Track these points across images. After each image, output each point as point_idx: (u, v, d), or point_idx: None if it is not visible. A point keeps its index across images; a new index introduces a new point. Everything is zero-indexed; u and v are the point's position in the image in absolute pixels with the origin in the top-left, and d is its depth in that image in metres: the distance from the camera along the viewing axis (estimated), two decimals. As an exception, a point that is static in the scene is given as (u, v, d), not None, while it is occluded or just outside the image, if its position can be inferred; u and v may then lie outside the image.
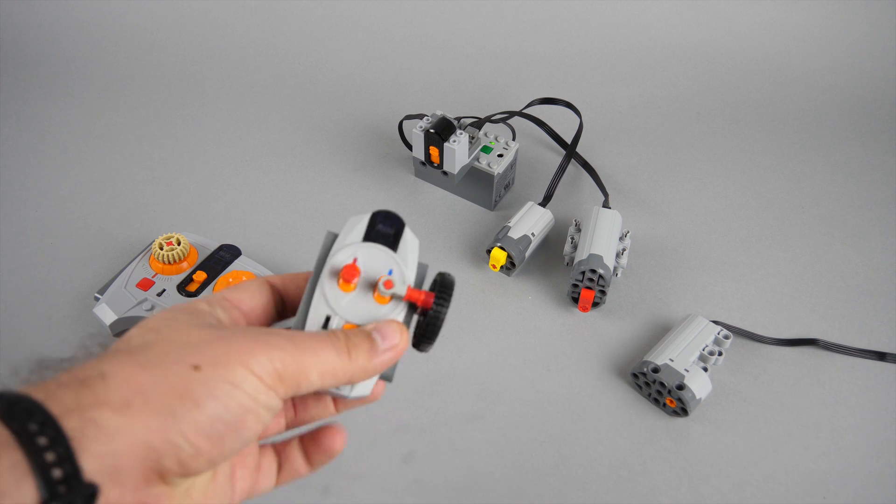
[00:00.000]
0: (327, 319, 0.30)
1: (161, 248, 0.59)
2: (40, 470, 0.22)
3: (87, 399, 0.24)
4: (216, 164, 0.77)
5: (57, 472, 0.22)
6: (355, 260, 0.31)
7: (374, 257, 0.31)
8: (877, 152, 0.81)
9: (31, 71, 0.88)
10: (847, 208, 0.74)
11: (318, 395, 0.33)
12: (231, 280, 0.59)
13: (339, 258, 0.31)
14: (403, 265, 0.32)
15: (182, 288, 0.59)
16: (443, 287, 0.31)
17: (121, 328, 0.58)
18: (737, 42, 0.95)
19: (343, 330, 0.30)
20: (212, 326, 0.28)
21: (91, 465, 0.23)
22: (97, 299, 0.58)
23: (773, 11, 0.97)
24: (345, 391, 0.30)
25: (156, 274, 0.60)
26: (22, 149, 0.78)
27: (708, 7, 0.97)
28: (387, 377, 0.31)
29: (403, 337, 0.30)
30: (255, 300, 0.32)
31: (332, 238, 0.32)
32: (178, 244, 0.60)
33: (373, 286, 0.31)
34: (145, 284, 0.59)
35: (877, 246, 0.70)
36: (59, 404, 0.23)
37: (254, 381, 0.26)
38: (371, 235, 0.32)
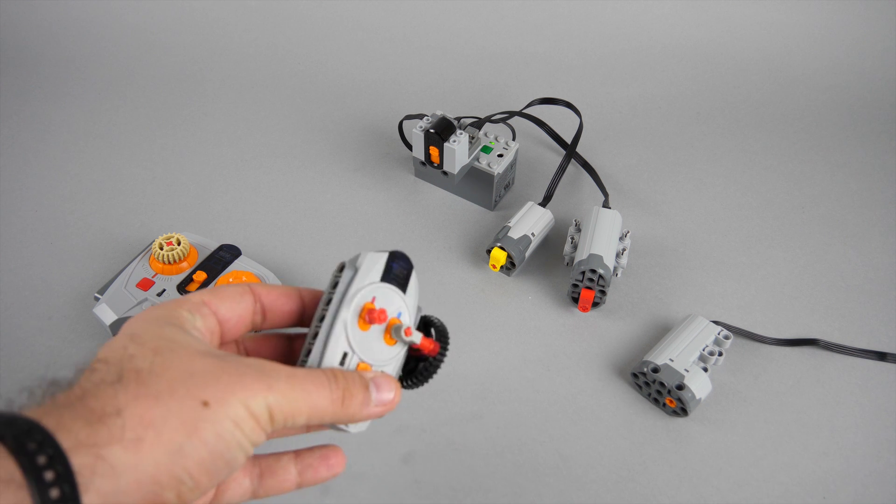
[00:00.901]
0: (344, 356, 0.31)
1: (161, 248, 0.59)
2: None
3: (102, 436, 0.24)
4: (216, 164, 0.77)
5: None
6: (382, 307, 0.32)
7: (387, 298, 0.32)
8: (877, 152, 0.81)
9: (31, 71, 0.88)
10: (847, 208, 0.74)
11: (285, 465, 0.34)
12: (231, 280, 0.59)
13: (361, 297, 0.31)
14: (409, 309, 0.33)
15: (182, 288, 0.59)
16: (445, 338, 0.34)
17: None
18: (737, 42, 0.95)
19: (343, 373, 0.30)
20: (213, 354, 0.29)
21: (92, 501, 0.23)
22: (97, 299, 0.58)
23: (773, 11, 0.97)
24: (350, 429, 0.31)
25: (156, 274, 0.60)
26: (22, 149, 0.78)
27: (708, 7, 0.97)
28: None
29: (397, 395, 0.31)
30: (233, 311, 0.32)
31: (352, 272, 0.32)
32: (178, 244, 0.60)
33: (385, 328, 0.32)
34: (145, 284, 0.59)
35: (877, 246, 0.70)
36: (70, 437, 0.23)
37: (249, 421, 0.27)
38: (388, 276, 0.33)
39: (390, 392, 0.31)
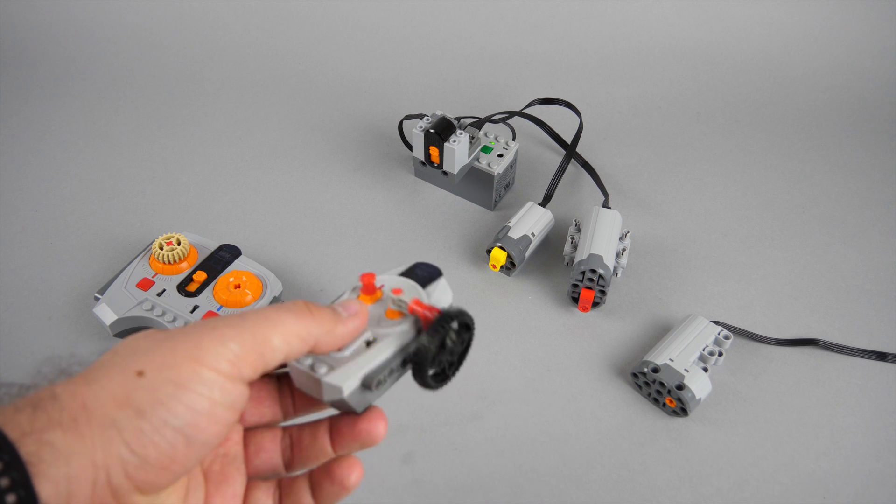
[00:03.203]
0: None
1: (161, 248, 0.59)
2: None
3: (41, 421, 0.23)
4: (216, 164, 0.77)
5: (11, 498, 0.21)
6: (374, 275, 0.32)
7: (398, 285, 0.33)
8: (877, 152, 0.81)
9: (31, 71, 0.88)
10: (847, 208, 0.74)
11: (313, 431, 0.32)
12: (231, 280, 0.59)
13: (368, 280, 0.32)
14: (425, 296, 0.32)
15: (182, 288, 0.59)
16: (451, 311, 0.30)
17: (121, 328, 0.58)
18: (737, 42, 0.95)
19: (302, 300, 0.29)
20: (166, 331, 0.27)
21: (47, 490, 0.22)
22: (97, 299, 0.58)
23: (773, 11, 0.97)
24: (320, 372, 0.29)
25: (156, 274, 0.60)
26: (22, 149, 0.78)
27: (708, 7, 0.97)
28: (367, 383, 0.30)
29: (363, 309, 0.30)
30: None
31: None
32: (178, 244, 0.60)
33: (386, 305, 0.32)
34: (145, 284, 0.59)
35: (877, 246, 0.70)
36: (15, 428, 0.23)
37: (208, 375, 0.25)
38: (407, 274, 0.34)
39: (355, 305, 0.30)
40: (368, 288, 0.32)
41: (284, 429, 0.33)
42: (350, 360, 0.30)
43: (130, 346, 0.26)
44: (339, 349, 0.30)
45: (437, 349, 0.30)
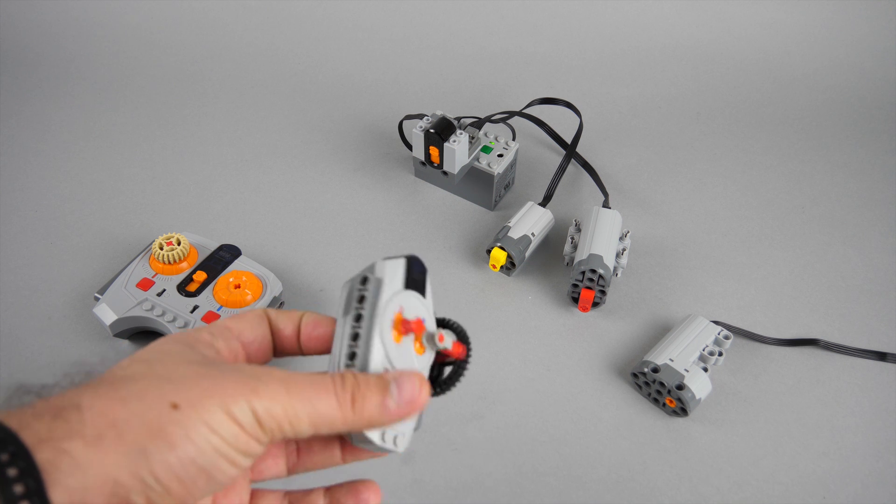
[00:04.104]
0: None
1: (161, 248, 0.59)
2: (7, 502, 0.21)
3: (61, 430, 0.23)
4: (216, 164, 0.77)
5: None
6: (416, 316, 0.31)
7: (412, 306, 0.31)
8: (877, 152, 0.81)
9: (31, 71, 0.88)
10: (847, 208, 0.74)
11: (325, 441, 0.32)
12: (231, 280, 0.59)
13: (391, 309, 0.30)
14: (430, 312, 0.32)
15: (182, 288, 0.59)
16: (467, 339, 0.32)
17: (121, 328, 0.58)
18: (737, 42, 0.95)
19: (354, 375, 0.28)
20: (203, 362, 0.27)
21: (60, 499, 0.22)
22: (97, 299, 0.58)
23: (773, 11, 0.97)
24: (388, 444, 0.29)
25: (156, 274, 0.60)
26: (22, 149, 0.78)
27: (708, 7, 0.97)
28: (419, 426, 0.31)
29: (424, 392, 0.29)
30: (255, 332, 0.31)
31: (376, 284, 0.31)
32: (178, 244, 0.60)
33: (413, 336, 0.31)
34: (145, 284, 0.59)
35: (877, 246, 0.70)
36: (32, 434, 0.23)
37: (231, 426, 0.25)
38: (410, 283, 0.32)
39: (414, 389, 0.28)
40: (413, 330, 0.31)
41: (284, 494, 0.33)
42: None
43: (166, 370, 0.26)
44: None
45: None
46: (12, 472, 0.21)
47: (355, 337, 0.29)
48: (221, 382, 0.26)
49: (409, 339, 0.31)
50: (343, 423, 0.27)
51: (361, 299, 0.30)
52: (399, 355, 0.30)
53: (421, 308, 0.32)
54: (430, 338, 0.31)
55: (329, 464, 0.33)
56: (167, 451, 0.24)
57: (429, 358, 0.32)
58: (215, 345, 0.29)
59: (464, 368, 0.32)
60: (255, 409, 0.26)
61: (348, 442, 0.32)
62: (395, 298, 0.30)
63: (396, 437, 0.30)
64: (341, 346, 0.30)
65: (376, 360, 0.29)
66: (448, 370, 0.32)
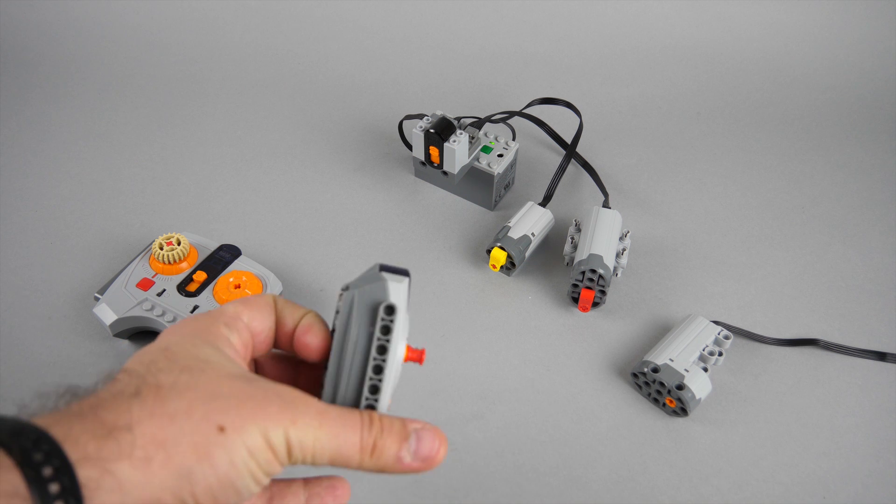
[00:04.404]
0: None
1: (161, 248, 0.59)
2: None
3: (110, 451, 0.23)
4: (216, 164, 0.77)
5: None
6: (424, 350, 0.32)
7: (406, 328, 0.31)
8: (877, 152, 0.81)
9: (31, 71, 0.88)
10: (847, 208, 0.74)
11: (294, 491, 0.33)
12: (231, 280, 0.59)
13: (403, 336, 0.30)
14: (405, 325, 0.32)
15: (182, 288, 0.59)
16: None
17: (121, 328, 0.58)
18: (737, 42, 0.95)
19: (381, 419, 0.29)
20: (244, 377, 0.28)
21: None
22: (97, 299, 0.58)
23: (773, 11, 0.97)
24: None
25: (156, 274, 0.60)
26: (22, 149, 0.78)
27: (708, 7, 0.97)
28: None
29: (441, 451, 0.30)
30: (263, 323, 0.31)
31: (391, 314, 0.30)
32: (178, 244, 0.60)
33: None
34: (145, 284, 0.59)
35: (877, 246, 0.70)
36: (79, 449, 0.23)
37: (266, 452, 0.26)
38: (408, 302, 0.32)
39: (433, 446, 0.30)
40: (418, 361, 0.31)
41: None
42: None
43: (211, 386, 0.26)
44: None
45: None
46: (54, 488, 0.22)
47: (378, 370, 0.29)
48: (265, 407, 0.26)
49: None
50: (358, 466, 0.28)
51: (386, 330, 0.29)
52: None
53: (407, 324, 0.32)
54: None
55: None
56: (210, 472, 0.25)
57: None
58: (231, 340, 0.30)
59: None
60: (290, 437, 0.27)
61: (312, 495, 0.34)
62: (405, 330, 0.31)
63: None
64: (359, 372, 0.30)
65: (389, 392, 0.30)
66: None
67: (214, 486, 0.25)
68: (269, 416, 0.26)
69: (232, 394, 0.26)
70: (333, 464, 0.28)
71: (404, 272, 0.31)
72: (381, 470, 0.29)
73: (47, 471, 0.22)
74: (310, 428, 0.27)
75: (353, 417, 0.28)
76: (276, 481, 0.33)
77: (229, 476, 0.25)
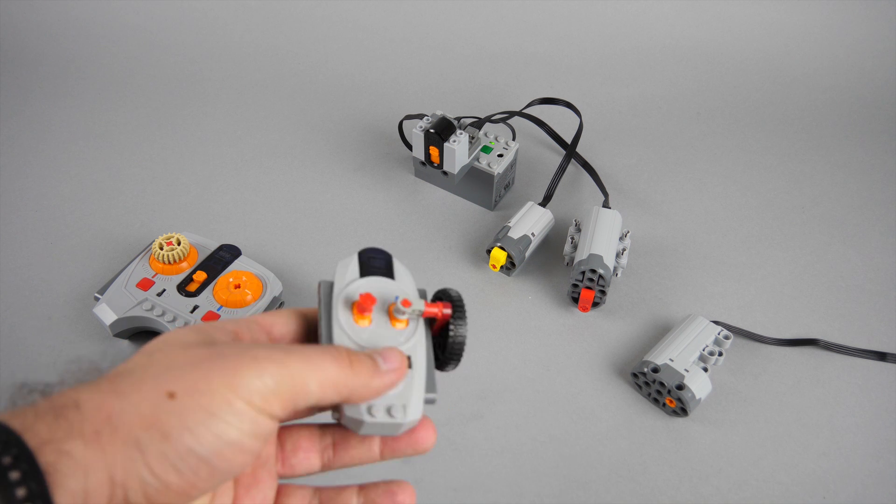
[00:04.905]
0: None
1: (161, 248, 0.59)
2: None
3: (62, 430, 0.23)
4: (216, 164, 0.77)
5: None
6: (368, 294, 0.31)
7: (378, 287, 0.32)
8: (877, 152, 0.81)
9: (31, 71, 0.88)
10: (847, 208, 0.74)
11: (362, 437, 0.31)
12: (231, 280, 0.59)
13: (347, 297, 0.31)
14: (406, 289, 0.32)
15: (182, 288, 0.59)
16: (457, 302, 0.31)
17: (121, 328, 0.58)
18: (737, 42, 0.95)
19: (346, 347, 0.29)
20: (205, 344, 0.26)
21: (64, 501, 0.22)
22: (97, 299, 0.58)
23: (773, 11, 0.97)
24: (398, 416, 0.29)
25: (156, 274, 0.60)
26: (22, 149, 0.78)
27: (708, 7, 0.97)
28: (431, 399, 0.30)
29: (403, 362, 0.29)
30: (286, 327, 0.31)
31: (329, 285, 0.32)
32: (178, 244, 0.60)
33: (387, 314, 0.31)
34: (145, 284, 0.59)
35: (877, 246, 0.70)
36: (35, 436, 0.22)
37: (239, 405, 0.24)
38: (366, 271, 0.32)
39: (396, 359, 0.29)
40: (367, 306, 0.31)
41: (324, 427, 0.32)
42: (409, 390, 0.30)
43: (166, 359, 0.25)
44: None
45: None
46: (14, 475, 0.21)
47: (329, 338, 0.30)
48: (221, 363, 0.25)
49: (382, 319, 0.31)
50: (345, 386, 0.27)
51: (319, 303, 0.31)
52: (371, 337, 0.30)
53: (391, 287, 0.32)
54: (398, 307, 0.31)
55: (367, 459, 0.32)
56: (162, 442, 0.23)
57: (414, 327, 0.31)
58: (237, 331, 0.29)
59: (458, 329, 0.31)
60: (264, 379, 0.25)
61: (391, 439, 0.31)
62: (352, 286, 0.31)
63: (391, 407, 0.29)
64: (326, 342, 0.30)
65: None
66: (449, 335, 0.32)
67: (172, 457, 0.23)
68: (229, 368, 0.24)
69: (186, 362, 0.25)
70: (323, 391, 0.26)
71: (360, 250, 0.33)
72: (363, 386, 0.27)
73: (6, 459, 0.21)
74: (281, 364, 0.25)
75: (318, 347, 0.28)
76: (325, 489, 0.32)
77: (186, 444, 0.23)
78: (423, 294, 0.33)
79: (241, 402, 0.24)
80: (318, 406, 0.28)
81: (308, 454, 0.31)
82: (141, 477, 0.23)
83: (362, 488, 0.32)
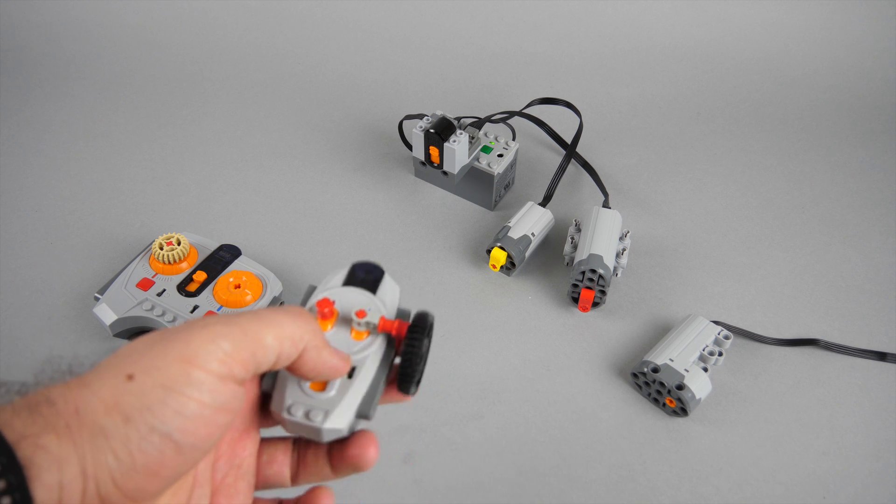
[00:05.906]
0: None
1: (161, 248, 0.59)
2: None
3: (37, 425, 0.23)
4: (216, 164, 0.77)
5: (6, 501, 0.21)
6: (326, 299, 0.31)
7: (352, 299, 0.32)
8: (877, 152, 0.81)
9: (31, 71, 0.88)
10: (847, 208, 0.74)
11: (316, 451, 0.32)
12: (231, 280, 0.59)
13: (315, 299, 0.32)
14: (381, 305, 0.32)
15: (182, 288, 0.59)
16: (417, 320, 0.31)
17: (121, 328, 0.58)
18: (737, 42, 0.95)
19: (300, 307, 0.30)
20: (167, 329, 0.27)
21: (42, 496, 0.22)
22: (97, 299, 0.58)
23: (773, 11, 0.97)
24: (316, 420, 0.29)
25: (156, 274, 0.60)
26: (22, 149, 0.78)
27: (708, 7, 0.97)
28: (363, 413, 0.30)
29: (345, 362, 0.29)
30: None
31: (312, 289, 0.33)
32: (178, 244, 0.60)
33: (349, 324, 0.32)
34: (145, 284, 0.59)
35: (877, 246, 0.70)
36: (12, 431, 0.22)
37: (198, 375, 0.24)
38: (349, 281, 0.33)
39: (340, 355, 0.29)
40: (327, 314, 0.31)
41: (297, 441, 0.33)
42: (339, 398, 0.30)
43: (128, 349, 0.26)
44: (324, 388, 0.30)
45: (423, 359, 0.31)
46: None
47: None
48: (175, 338, 0.25)
49: (344, 327, 0.31)
50: (301, 336, 0.27)
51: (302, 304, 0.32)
52: (330, 341, 0.30)
53: (363, 299, 0.32)
54: (355, 319, 0.31)
55: (323, 473, 0.32)
56: (123, 425, 0.23)
57: (371, 340, 0.31)
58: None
59: (407, 346, 0.30)
60: (220, 343, 0.25)
61: (335, 455, 0.32)
62: (327, 293, 0.32)
63: (311, 410, 0.29)
64: None
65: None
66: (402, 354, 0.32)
67: (135, 439, 0.23)
68: (182, 341, 0.24)
69: (147, 343, 0.25)
70: (280, 344, 0.26)
71: (354, 263, 0.34)
72: (315, 349, 0.28)
73: None
74: (235, 326, 0.26)
75: (272, 308, 0.28)
76: (285, 501, 0.32)
77: (147, 422, 0.23)
78: (405, 314, 0.33)
79: (199, 372, 0.24)
80: (279, 364, 0.28)
81: (281, 467, 0.32)
82: (108, 464, 0.23)
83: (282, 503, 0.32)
